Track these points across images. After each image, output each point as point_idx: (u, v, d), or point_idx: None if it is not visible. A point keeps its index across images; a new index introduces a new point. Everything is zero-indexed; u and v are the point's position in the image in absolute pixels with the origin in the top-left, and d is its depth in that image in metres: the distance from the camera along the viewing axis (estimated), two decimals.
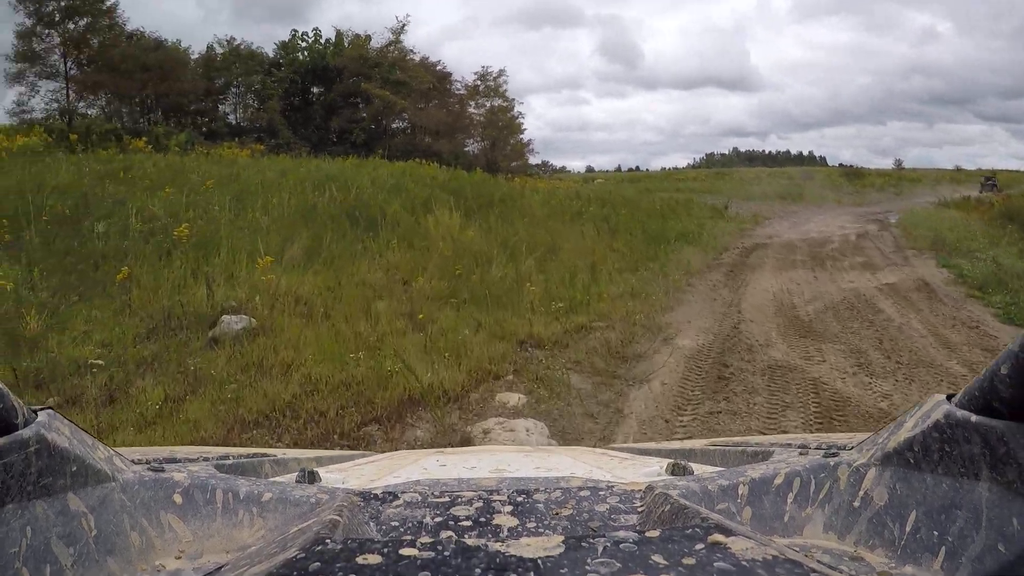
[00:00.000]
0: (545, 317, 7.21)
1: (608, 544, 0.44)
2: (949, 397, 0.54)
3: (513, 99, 31.75)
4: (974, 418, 0.49)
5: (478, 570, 0.40)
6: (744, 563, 0.41)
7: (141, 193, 10.93)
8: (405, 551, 0.43)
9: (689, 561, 0.41)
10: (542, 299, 7.78)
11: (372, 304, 7.34)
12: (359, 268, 8.69)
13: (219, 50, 29.33)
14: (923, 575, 0.50)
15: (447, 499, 0.67)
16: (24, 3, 24.21)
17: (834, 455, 0.67)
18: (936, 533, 0.51)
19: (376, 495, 0.69)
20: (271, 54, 29.98)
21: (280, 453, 1.33)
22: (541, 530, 0.61)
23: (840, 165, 58.72)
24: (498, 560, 0.42)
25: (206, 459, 0.92)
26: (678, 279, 9.95)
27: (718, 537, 0.45)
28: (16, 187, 10.00)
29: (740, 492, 0.66)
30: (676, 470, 0.91)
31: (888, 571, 0.52)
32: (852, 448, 0.67)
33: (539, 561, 0.42)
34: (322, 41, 30.14)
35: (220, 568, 0.55)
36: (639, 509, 0.64)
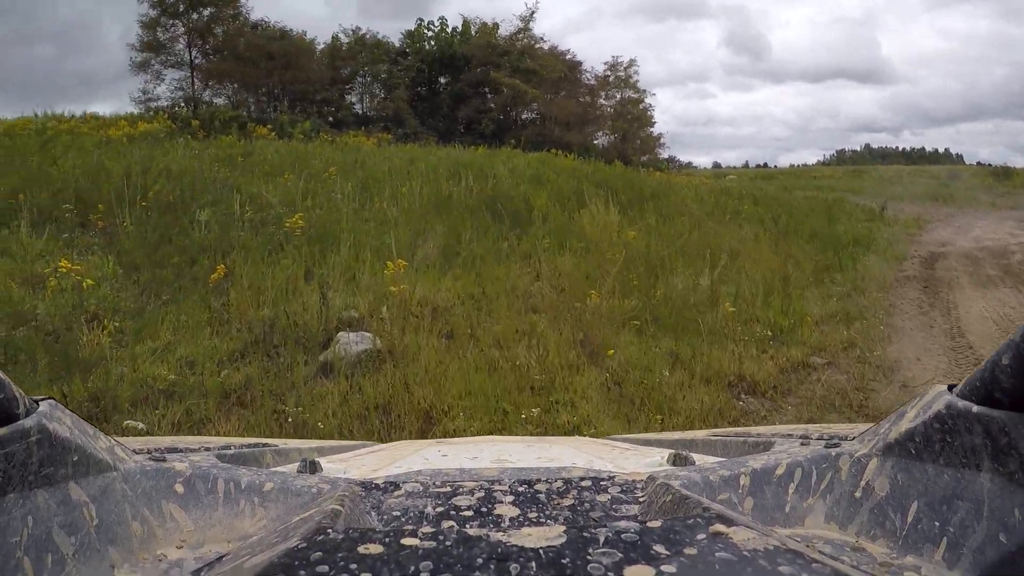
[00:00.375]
0: (750, 347, 5.59)
1: (610, 534, 0.43)
2: (950, 387, 0.53)
3: (644, 90, 30.16)
4: (975, 408, 0.48)
5: (480, 560, 0.40)
6: (746, 553, 0.40)
7: (257, 179, 9.76)
8: (407, 541, 0.42)
9: (691, 551, 0.41)
10: (736, 321, 6.18)
11: (530, 321, 5.57)
12: (507, 272, 7.07)
13: (345, 40, 29.06)
14: (925, 566, 0.49)
15: (449, 489, 0.68)
16: None
17: (835, 445, 0.67)
18: (938, 524, 0.50)
19: (378, 485, 0.70)
20: (397, 44, 29.39)
21: (281, 443, 1.31)
22: (543, 520, 0.60)
23: (979, 164, 53.32)
24: (500, 550, 0.41)
25: (207, 449, 0.93)
26: (877, 297, 8.15)
27: (720, 527, 0.44)
28: (124, 170, 8.93)
29: (742, 482, 0.65)
30: (678, 460, 0.88)
31: (889, 561, 0.51)
32: (853, 439, 0.67)
33: (541, 551, 0.41)
34: (449, 30, 29.35)
35: (221, 558, 0.54)
36: (641, 499, 0.64)
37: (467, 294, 6.22)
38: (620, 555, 0.40)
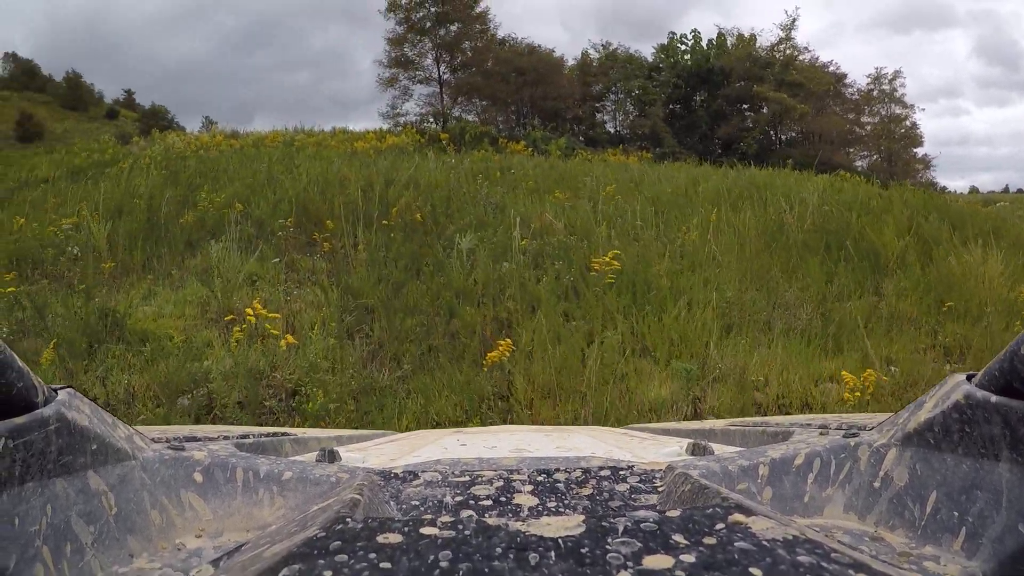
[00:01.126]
0: None
1: (628, 524, 0.42)
2: (969, 377, 0.52)
3: (913, 105, 26.72)
4: (994, 398, 0.48)
5: (498, 549, 0.39)
6: (765, 543, 0.40)
7: (522, 197, 7.82)
8: (425, 530, 0.42)
9: (710, 540, 0.40)
10: None
11: None
12: (899, 346, 4.51)
13: (595, 55, 27.61)
14: (943, 556, 0.49)
15: (467, 478, 0.67)
16: (395, 11, 24.52)
17: (854, 435, 0.66)
18: (956, 514, 0.50)
19: (396, 474, 0.69)
20: (649, 58, 27.55)
21: (300, 432, 1.29)
22: (562, 510, 0.59)
23: None
24: (519, 539, 0.41)
25: (226, 438, 0.91)
26: None
27: (738, 517, 0.44)
28: (365, 181, 7.34)
29: (760, 472, 0.65)
30: (696, 450, 0.87)
31: (908, 551, 0.51)
32: (872, 429, 0.66)
33: (560, 540, 0.40)
34: (703, 43, 27.07)
35: (240, 547, 0.54)
36: (659, 489, 0.63)
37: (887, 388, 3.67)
38: (639, 545, 0.39)
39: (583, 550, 0.39)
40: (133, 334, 4.06)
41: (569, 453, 0.99)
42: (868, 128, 26.30)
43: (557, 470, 0.69)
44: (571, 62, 27.21)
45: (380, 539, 0.40)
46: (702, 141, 24.58)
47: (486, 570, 0.37)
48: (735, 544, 0.39)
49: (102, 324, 4.09)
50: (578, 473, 0.68)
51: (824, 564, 0.37)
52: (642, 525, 0.42)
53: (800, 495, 0.62)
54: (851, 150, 25.97)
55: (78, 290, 4.90)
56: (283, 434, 1.14)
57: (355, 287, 4.79)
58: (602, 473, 0.68)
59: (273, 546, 0.44)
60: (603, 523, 0.42)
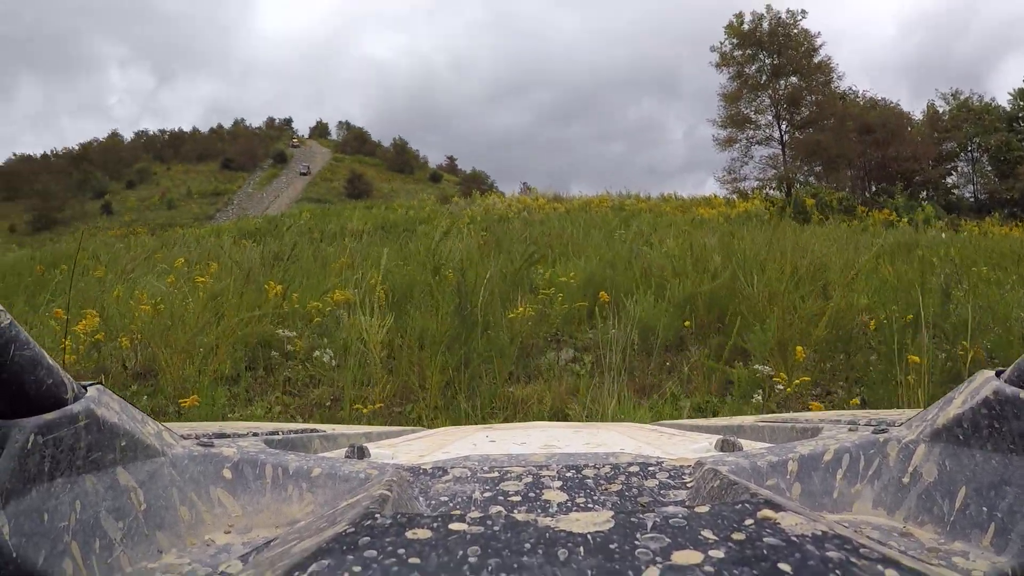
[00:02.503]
0: None
1: (658, 519, 0.43)
2: (998, 373, 0.53)
3: None
4: (1023, 394, 0.48)
5: (527, 545, 0.40)
6: (794, 538, 0.40)
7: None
8: (454, 526, 0.42)
9: (739, 536, 0.40)
10: None
11: None
12: None
13: (943, 107, 23.60)
14: (973, 551, 0.48)
15: (496, 474, 0.68)
16: (727, 64, 22.79)
17: (883, 431, 0.66)
18: (985, 509, 0.49)
19: (425, 470, 0.69)
20: (1007, 106, 23.89)
21: (329, 429, 1.28)
22: (591, 505, 0.60)
23: None
24: (548, 535, 0.41)
25: (255, 434, 0.92)
26: None
27: (767, 512, 0.44)
28: (778, 261, 5.38)
29: (789, 468, 0.65)
30: (725, 446, 0.88)
31: (937, 547, 0.50)
32: (901, 424, 0.66)
33: (589, 536, 0.41)
34: None
35: (269, 543, 0.54)
36: (688, 485, 0.64)
37: None
38: (668, 540, 0.40)
39: (612, 546, 0.39)
40: None
41: (598, 449, 0.99)
42: None
43: (586, 466, 0.69)
44: (919, 116, 23.71)
45: (409, 535, 0.40)
46: None
47: (515, 565, 0.37)
48: (764, 540, 0.39)
49: None
50: (607, 469, 0.68)
51: (853, 560, 0.37)
52: (671, 521, 0.42)
53: (829, 491, 0.62)
54: None
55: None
56: (312, 430, 1.12)
57: None
58: (631, 469, 0.68)
59: (302, 542, 0.44)
60: (632, 519, 0.42)
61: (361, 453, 0.87)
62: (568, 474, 0.67)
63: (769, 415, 1.57)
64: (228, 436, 0.84)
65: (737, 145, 23.08)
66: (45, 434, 0.46)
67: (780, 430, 1.01)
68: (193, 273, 6.74)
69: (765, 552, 0.38)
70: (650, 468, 0.68)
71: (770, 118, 22.92)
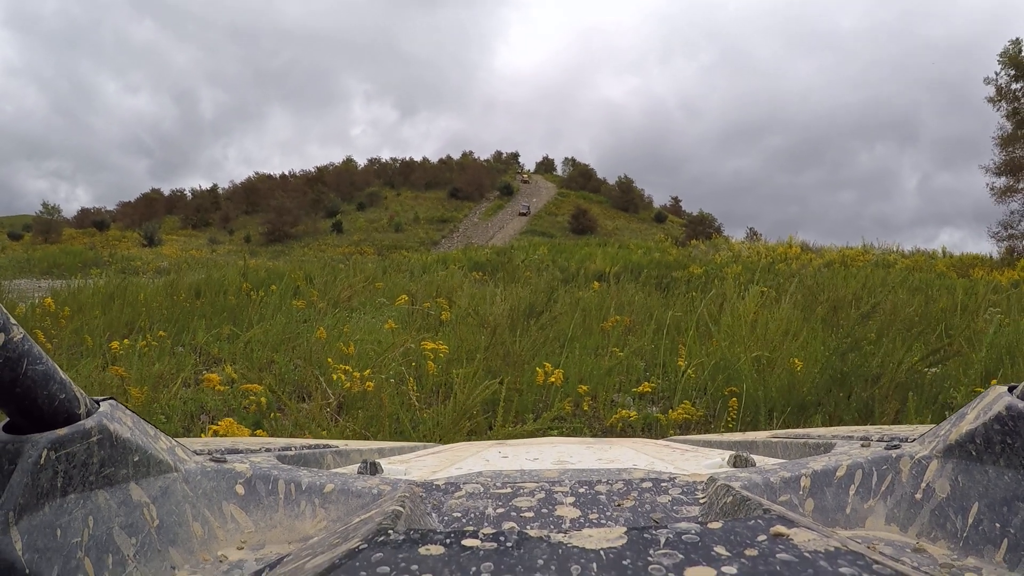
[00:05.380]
0: None
1: (670, 535, 0.42)
2: (1011, 389, 0.53)
3: None
4: None
5: (540, 561, 0.39)
6: (807, 554, 0.39)
7: None
8: (467, 542, 0.42)
9: (751, 552, 0.40)
10: None
11: None
12: None
13: None
14: (986, 567, 0.48)
15: (509, 490, 0.67)
16: (1003, 99, 20.18)
17: (896, 447, 0.65)
18: (998, 525, 0.49)
19: (438, 486, 0.70)
20: None
21: (342, 444, 1.28)
22: (603, 521, 0.60)
23: None
24: (560, 551, 0.40)
25: (268, 450, 0.90)
26: None
27: (780, 528, 0.43)
28: None
29: (802, 484, 0.64)
30: (738, 462, 0.87)
31: (951, 563, 0.49)
32: (914, 440, 0.65)
33: (601, 552, 0.40)
34: None
35: (282, 559, 0.54)
36: (701, 501, 0.64)
37: None
38: (681, 556, 0.39)
39: (625, 562, 0.38)
40: None
41: (611, 465, 0.97)
42: None
43: (599, 482, 0.69)
44: None
45: (422, 551, 0.40)
46: None
47: None
48: (777, 556, 0.39)
49: None
50: (620, 485, 0.68)
51: (866, 575, 0.37)
52: (684, 537, 0.41)
53: (842, 507, 0.61)
54: None
55: None
56: (325, 446, 1.11)
57: None
58: (644, 485, 0.68)
59: (315, 558, 0.44)
60: (645, 535, 0.42)
61: (374, 469, 0.87)
62: (581, 490, 0.67)
63: (782, 431, 1.56)
64: (241, 452, 0.84)
65: (1019, 196, 20.47)
66: (58, 449, 0.46)
67: (793, 446, 1.00)
68: (417, 312, 6.27)
69: (778, 568, 0.37)
70: (663, 484, 0.68)
71: None
